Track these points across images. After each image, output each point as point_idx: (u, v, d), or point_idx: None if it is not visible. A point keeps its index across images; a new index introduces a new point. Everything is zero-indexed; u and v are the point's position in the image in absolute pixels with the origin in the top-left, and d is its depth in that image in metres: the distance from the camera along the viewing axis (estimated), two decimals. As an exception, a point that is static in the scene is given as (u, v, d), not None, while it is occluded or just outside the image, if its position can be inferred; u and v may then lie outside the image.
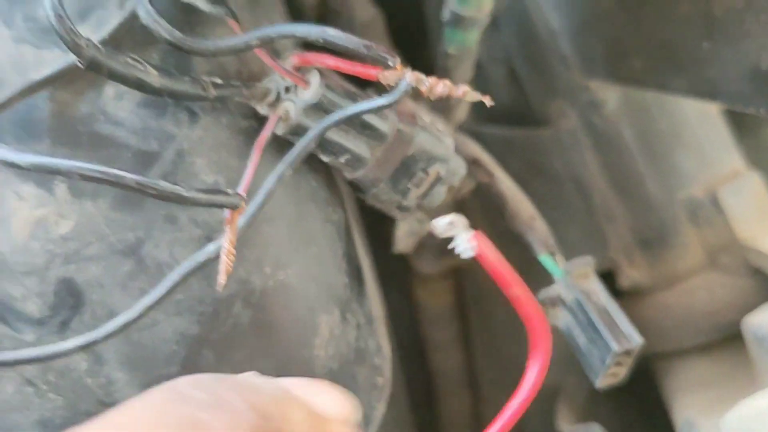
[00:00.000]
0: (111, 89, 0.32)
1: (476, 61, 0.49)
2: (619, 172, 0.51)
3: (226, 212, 0.30)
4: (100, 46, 0.28)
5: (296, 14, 0.48)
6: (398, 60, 0.31)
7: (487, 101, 0.31)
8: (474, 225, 0.63)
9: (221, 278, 0.29)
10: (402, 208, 0.40)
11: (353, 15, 0.54)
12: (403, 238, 0.46)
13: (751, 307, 0.44)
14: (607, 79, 0.48)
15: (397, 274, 0.64)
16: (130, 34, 0.32)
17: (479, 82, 0.51)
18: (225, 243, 0.29)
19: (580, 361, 0.41)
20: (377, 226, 0.49)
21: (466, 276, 0.70)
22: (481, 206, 0.56)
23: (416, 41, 0.61)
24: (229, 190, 0.29)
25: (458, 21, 0.45)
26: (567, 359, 0.62)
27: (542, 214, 0.47)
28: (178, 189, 0.28)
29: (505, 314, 0.67)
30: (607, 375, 0.40)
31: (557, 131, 0.53)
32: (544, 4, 0.50)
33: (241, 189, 0.31)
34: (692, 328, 0.51)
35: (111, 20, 0.32)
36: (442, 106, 0.49)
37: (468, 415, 0.76)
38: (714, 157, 0.51)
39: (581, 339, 0.40)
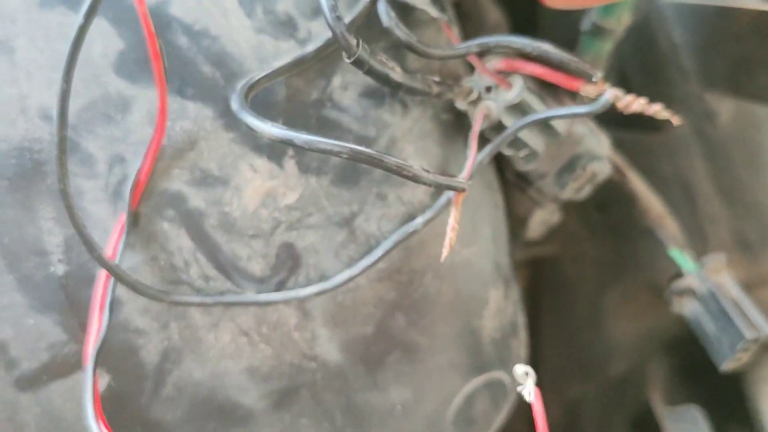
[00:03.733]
0: (338, 79, 0.35)
1: (606, 68, 0.52)
2: (725, 178, 0.53)
3: (452, 194, 0.34)
4: (366, 47, 0.32)
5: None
6: (600, 75, 0.34)
7: (676, 121, 0.34)
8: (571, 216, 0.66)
9: (445, 251, 0.32)
10: (556, 200, 0.43)
11: (484, 17, 0.57)
12: (537, 226, 0.49)
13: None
14: (727, 93, 0.50)
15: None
16: (359, 31, 0.35)
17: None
18: (452, 220, 0.33)
19: (706, 346, 0.45)
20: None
21: (545, 266, 0.73)
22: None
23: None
24: (458, 176, 0.33)
25: (597, 31, 0.49)
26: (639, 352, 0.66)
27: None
28: (415, 168, 0.30)
29: (584, 307, 0.71)
30: (734, 359, 0.43)
31: (668, 137, 0.55)
32: (669, 18, 0.53)
33: (464, 175, 0.34)
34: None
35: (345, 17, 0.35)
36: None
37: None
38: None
39: (710, 327, 0.44)
